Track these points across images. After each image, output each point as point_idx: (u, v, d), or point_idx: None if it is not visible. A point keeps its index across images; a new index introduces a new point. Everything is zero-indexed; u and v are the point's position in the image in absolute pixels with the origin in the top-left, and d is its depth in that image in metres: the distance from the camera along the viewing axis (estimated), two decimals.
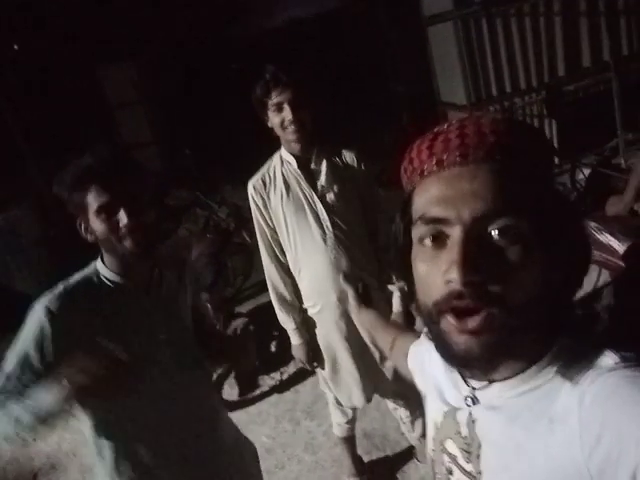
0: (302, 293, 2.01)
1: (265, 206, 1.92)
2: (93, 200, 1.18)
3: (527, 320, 0.57)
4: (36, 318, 1.17)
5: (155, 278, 1.34)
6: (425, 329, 0.66)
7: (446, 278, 0.56)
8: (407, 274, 0.66)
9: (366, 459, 2.55)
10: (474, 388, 0.67)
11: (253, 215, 1.98)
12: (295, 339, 2.07)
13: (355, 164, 1.92)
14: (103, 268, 1.28)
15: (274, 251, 1.98)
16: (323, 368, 2.10)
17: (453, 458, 0.70)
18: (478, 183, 0.57)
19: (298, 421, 2.97)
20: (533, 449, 0.59)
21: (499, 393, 0.64)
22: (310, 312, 2.02)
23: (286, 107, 1.78)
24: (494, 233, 0.56)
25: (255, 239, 2.05)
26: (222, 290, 3.47)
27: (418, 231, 0.61)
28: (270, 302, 2.08)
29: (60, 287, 1.23)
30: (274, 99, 1.79)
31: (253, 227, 2.02)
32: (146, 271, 1.32)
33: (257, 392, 3.30)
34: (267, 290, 2.08)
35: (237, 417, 3.10)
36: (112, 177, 1.19)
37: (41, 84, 6.66)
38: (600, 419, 0.53)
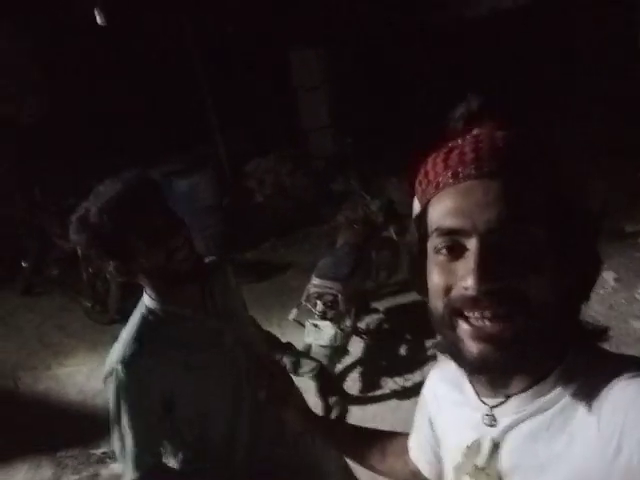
0: None
1: None
2: (138, 230, 1.13)
3: (543, 325, 0.57)
4: (114, 380, 1.16)
5: (206, 293, 1.32)
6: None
7: (463, 285, 0.57)
8: (422, 287, 0.67)
9: None
10: (491, 407, 0.67)
11: None
12: None
13: None
14: (152, 303, 1.24)
15: None
16: None
17: None
18: (493, 194, 0.58)
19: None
20: (555, 467, 0.59)
21: (517, 409, 0.64)
22: None
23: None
24: (509, 242, 0.57)
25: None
26: (360, 282, 3.43)
27: (434, 242, 0.63)
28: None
29: (125, 340, 1.19)
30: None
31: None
32: (196, 290, 1.28)
33: (378, 392, 3.24)
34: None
35: (353, 413, 3.08)
36: (152, 204, 1.16)
37: (237, 64, 7.22)
38: (620, 428, 0.53)
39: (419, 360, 3.37)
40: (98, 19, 6.19)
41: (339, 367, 3.34)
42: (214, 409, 1.29)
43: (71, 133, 6.43)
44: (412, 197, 0.71)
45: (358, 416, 3.03)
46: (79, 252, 4.61)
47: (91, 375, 3.82)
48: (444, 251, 0.61)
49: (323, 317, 3.02)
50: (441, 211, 0.62)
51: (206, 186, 5.74)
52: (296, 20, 7.15)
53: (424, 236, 0.66)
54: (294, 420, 1.14)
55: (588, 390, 0.58)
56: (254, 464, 1.35)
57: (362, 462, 1.06)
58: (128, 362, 1.15)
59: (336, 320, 3.03)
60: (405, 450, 0.95)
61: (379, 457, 1.02)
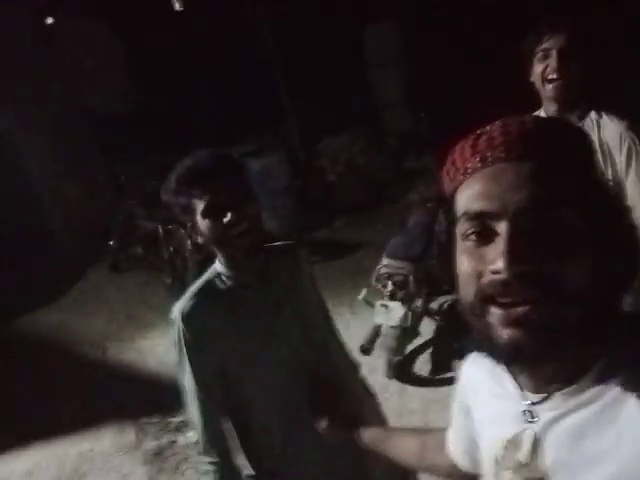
0: None
1: None
2: (199, 202, 1.21)
3: (576, 312, 0.55)
4: (175, 328, 1.28)
5: (270, 267, 1.35)
6: None
7: (492, 269, 0.55)
8: (450, 274, 0.65)
9: None
10: (532, 403, 0.64)
11: None
12: None
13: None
14: (221, 267, 1.32)
15: None
16: None
17: None
18: (523, 176, 0.57)
19: None
20: (602, 464, 0.56)
21: (559, 405, 0.61)
22: None
23: (553, 54, 1.59)
24: (540, 225, 0.55)
25: None
26: (432, 263, 3.36)
27: (463, 227, 0.61)
28: None
29: (188, 293, 1.32)
30: (543, 44, 1.61)
31: None
32: (261, 263, 1.33)
33: (449, 375, 3.17)
34: None
35: (422, 393, 3.04)
36: (215, 179, 1.20)
37: (310, 42, 7.18)
38: None
39: None
40: (176, 5, 6.38)
41: (409, 348, 3.30)
42: (259, 377, 1.32)
43: (153, 120, 6.68)
44: None
45: (427, 397, 2.98)
46: (160, 232, 4.86)
47: (170, 348, 4.00)
48: (473, 236, 0.60)
49: (392, 298, 2.99)
50: (470, 195, 0.61)
51: (279, 166, 5.82)
52: None
53: (452, 223, 0.65)
54: (339, 431, 1.14)
55: (635, 384, 0.55)
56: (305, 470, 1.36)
57: (405, 461, 1.06)
58: (186, 313, 1.26)
59: (406, 301, 2.98)
60: (445, 443, 0.94)
61: (421, 454, 1.02)
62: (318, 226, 5.71)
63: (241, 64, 6.99)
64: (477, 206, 0.59)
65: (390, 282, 3.08)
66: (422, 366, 3.28)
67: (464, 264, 0.61)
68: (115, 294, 5.20)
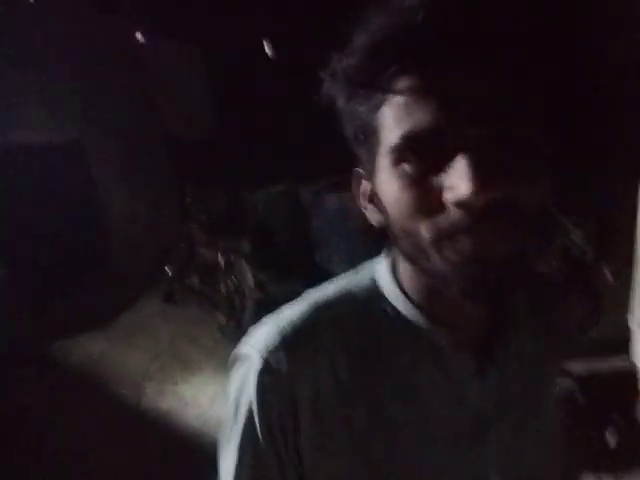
0: None
1: None
2: (398, 112, 0.50)
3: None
4: (246, 372, 0.63)
5: (497, 335, 0.63)
6: None
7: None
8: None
9: None
10: None
11: None
12: None
13: None
14: (392, 288, 0.63)
15: None
16: None
17: None
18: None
19: None
20: None
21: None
22: None
23: None
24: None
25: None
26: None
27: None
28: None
29: (292, 318, 0.63)
30: None
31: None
32: (483, 318, 0.62)
33: None
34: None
35: None
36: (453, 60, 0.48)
37: None
38: None
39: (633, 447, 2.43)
40: (268, 52, 6.19)
41: None
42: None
43: (230, 147, 6.45)
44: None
45: None
46: (220, 261, 4.36)
47: (214, 399, 3.41)
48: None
49: None
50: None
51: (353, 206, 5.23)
52: None
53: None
54: None
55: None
56: None
57: None
58: (271, 351, 0.61)
59: None
60: None
61: None
62: None
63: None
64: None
65: None
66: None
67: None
68: (164, 328, 4.68)
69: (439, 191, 0.48)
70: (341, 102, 0.56)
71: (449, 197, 0.47)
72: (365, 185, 0.61)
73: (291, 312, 0.64)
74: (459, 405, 0.61)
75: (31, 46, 4.96)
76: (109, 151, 5.61)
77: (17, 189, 4.87)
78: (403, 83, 0.49)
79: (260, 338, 0.63)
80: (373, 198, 0.59)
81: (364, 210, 0.62)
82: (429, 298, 0.60)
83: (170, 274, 5.10)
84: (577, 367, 3.03)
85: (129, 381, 3.88)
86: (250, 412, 0.61)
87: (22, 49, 4.91)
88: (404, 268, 0.62)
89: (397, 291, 0.62)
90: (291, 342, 0.61)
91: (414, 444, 0.60)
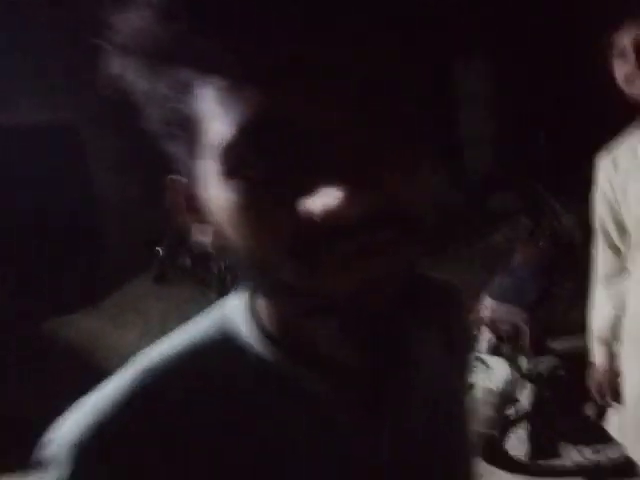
0: None
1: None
2: (227, 92, 0.36)
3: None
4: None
5: (390, 372, 0.49)
6: None
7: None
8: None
9: None
10: None
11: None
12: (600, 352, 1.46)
13: None
14: (251, 330, 0.47)
15: None
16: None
17: None
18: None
19: None
20: None
21: None
22: None
23: None
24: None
25: None
26: (546, 315, 2.64)
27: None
28: None
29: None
30: None
31: None
32: (368, 355, 0.47)
33: (555, 462, 2.42)
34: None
35: None
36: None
37: None
38: None
39: None
40: None
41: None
42: None
43: None
44: None
45: None
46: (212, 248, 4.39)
47: None
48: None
49: (494, 352, 2.30)
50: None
51: None
52: (460, 29, 6.59)
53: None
54: None
55: None
56: None
57: None
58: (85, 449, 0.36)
59: (512, 358, 2.29)
60: None
61: None
62: None
63: None
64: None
65: (489, 330, 2.40)
66: (517, 445, 2.54)
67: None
68: (154, 306, 4.72)
69: (294, 200, 0.35)
70: (140, 84, 0.39)
71: (312, 208, 0.34)
72: (187, 196, 0.43)
73: (111, 391, 0.44)
74: (346, 463, 0.47)
75: (25, 29, 4.93)
76: (102, 131, 5.59)
77: (5, 169, 4.89)
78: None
79: (69, 430, 0.42)
80: (198, 213, 0.42)
81: (192, 231, 0.46)
82: (296, 337, 0.45)
83: (162, 255, 5.13)
84: (560, 345, 3.11)
85: (120, 360, 3.91)
86: None
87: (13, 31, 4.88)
88: (263, 305, 0.47)
89: (257, 333, 0.46)
90: (112, 432, 0.42)
91: None
